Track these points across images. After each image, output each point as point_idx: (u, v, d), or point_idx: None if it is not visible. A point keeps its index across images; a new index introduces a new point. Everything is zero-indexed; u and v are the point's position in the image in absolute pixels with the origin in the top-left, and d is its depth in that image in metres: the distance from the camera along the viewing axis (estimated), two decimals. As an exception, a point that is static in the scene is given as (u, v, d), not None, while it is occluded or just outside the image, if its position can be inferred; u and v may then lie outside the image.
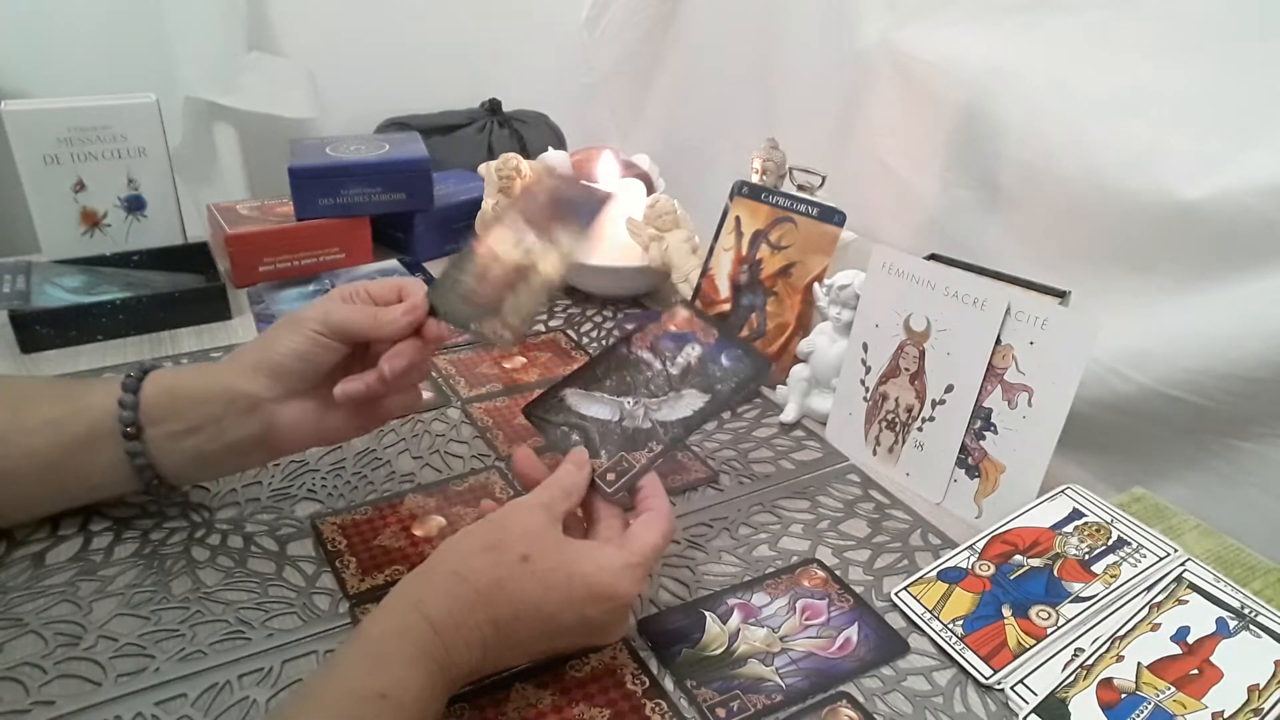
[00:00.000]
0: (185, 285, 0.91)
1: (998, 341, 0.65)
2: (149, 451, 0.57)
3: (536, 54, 1.39)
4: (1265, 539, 0.64)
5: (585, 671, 0.52)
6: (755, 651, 0.55)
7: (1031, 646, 0.54)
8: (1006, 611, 0.57)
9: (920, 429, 0.70)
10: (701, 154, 1.29)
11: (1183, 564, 0.57)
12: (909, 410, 0.71)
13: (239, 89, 1.16)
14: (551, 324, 0.94)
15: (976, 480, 0.67)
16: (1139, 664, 0.51)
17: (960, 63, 0.87)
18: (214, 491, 0.66)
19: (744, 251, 0.85)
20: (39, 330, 0.83)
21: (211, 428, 0.57)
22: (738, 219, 0.85)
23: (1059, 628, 0.55)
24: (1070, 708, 0.50)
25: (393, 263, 1.02)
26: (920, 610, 0.58)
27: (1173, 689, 0.50)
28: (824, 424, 0.78)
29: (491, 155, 1.07)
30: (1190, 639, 0.52)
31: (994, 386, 0.66)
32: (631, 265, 0.94)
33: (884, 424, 0.73)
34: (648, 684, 0.52)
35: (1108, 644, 0.53)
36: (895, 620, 0.58)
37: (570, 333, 0.93)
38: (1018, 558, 0.60)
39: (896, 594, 0.60)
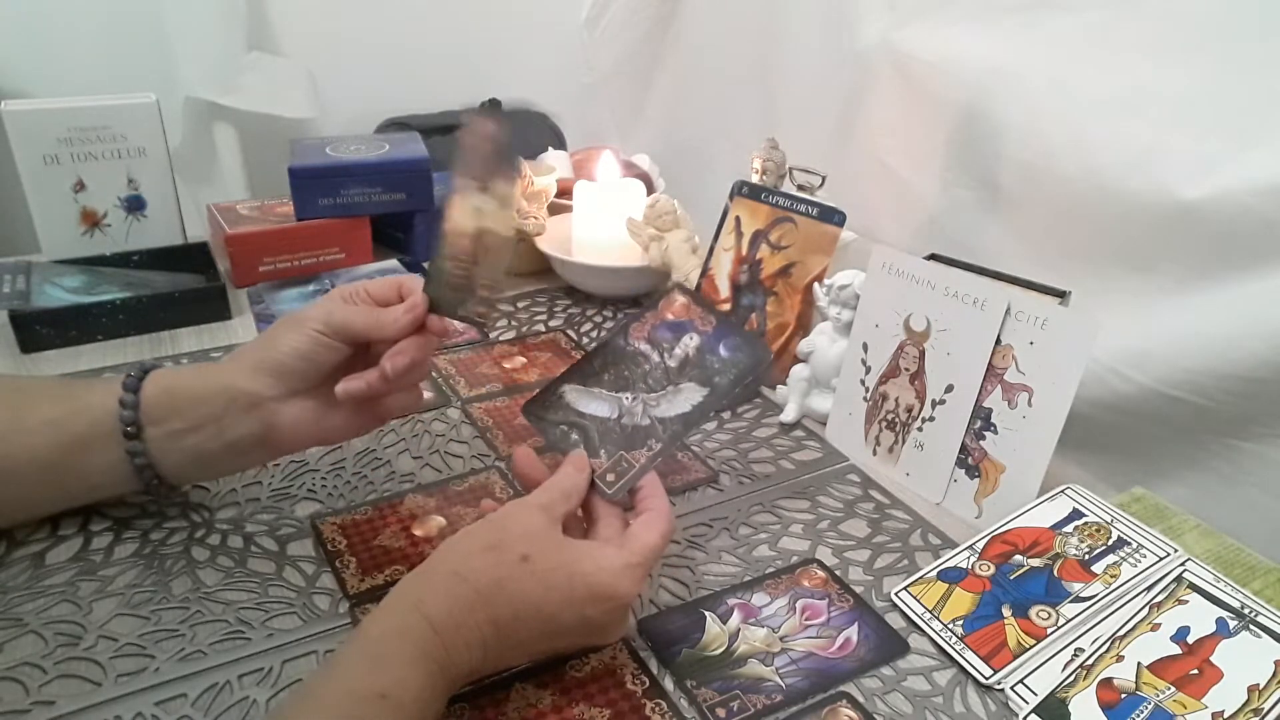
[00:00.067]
0: (185, 285, 0.91)
1: (998, 341, 0.65)
2: (149, 451, 0.57)
3: (536, 54, 1.39)
4: (1265, 539, 0.64)
5: (585, 671, 0.52)
6: (755, 651, 0.55)
7: (1031, 646, 0.54)
8: (1006, 611, 0.57)
9: (920, 429, 0.70)
10: (701, 154, 1.29)
11: (1183, 564, 0.57)
12: (909, 410, 0.71)
13: (239, 89, 1.16)
14: (552, 324, 0.94)
15: (976, 480, 0.67)
16: (1139, 664, 0.51)
17: (960, 63, 0.87)
18: (214, 491, 0.66)
19: (744, 251, 0.85)
20: (39, 330, 0.83)
21: (212, 426, 0.57)
22: (738, 219, 0.85)
23: (1059, 628, 0.55)
24: (1070, 708, 0.50)
25: (393, 263, 1.02)
26: (920, 610, 0.58)
27: (1173, 689, 0.50)
28: (824, 424, 0.78)
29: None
30: (1190, 639, 0.52)
31: (994, 386, 0.66)
32: (631, 265, 0.94)
33: (884, 424, 0.73)
34: (648, 684, 0.52)
35: (1108, 644, 0.53)
36: (895, 620, 0.58)
37: (570, 333, 0.93)
38: (1018, 558, 0.60)
39: (896, 594, 0.60)
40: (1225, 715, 0.48)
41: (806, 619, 0.57)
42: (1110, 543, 0.59)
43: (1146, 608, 0.54)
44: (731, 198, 0.85)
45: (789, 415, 0.79)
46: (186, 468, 0.59)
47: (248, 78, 1.17)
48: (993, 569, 0.60)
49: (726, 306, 0.85)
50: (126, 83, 0.94)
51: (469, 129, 0.61)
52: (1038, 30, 0.81)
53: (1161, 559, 0.57)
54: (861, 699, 0.52)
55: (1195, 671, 0.50)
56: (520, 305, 0.98)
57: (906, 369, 0.71)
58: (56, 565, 0.58)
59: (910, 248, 0.79)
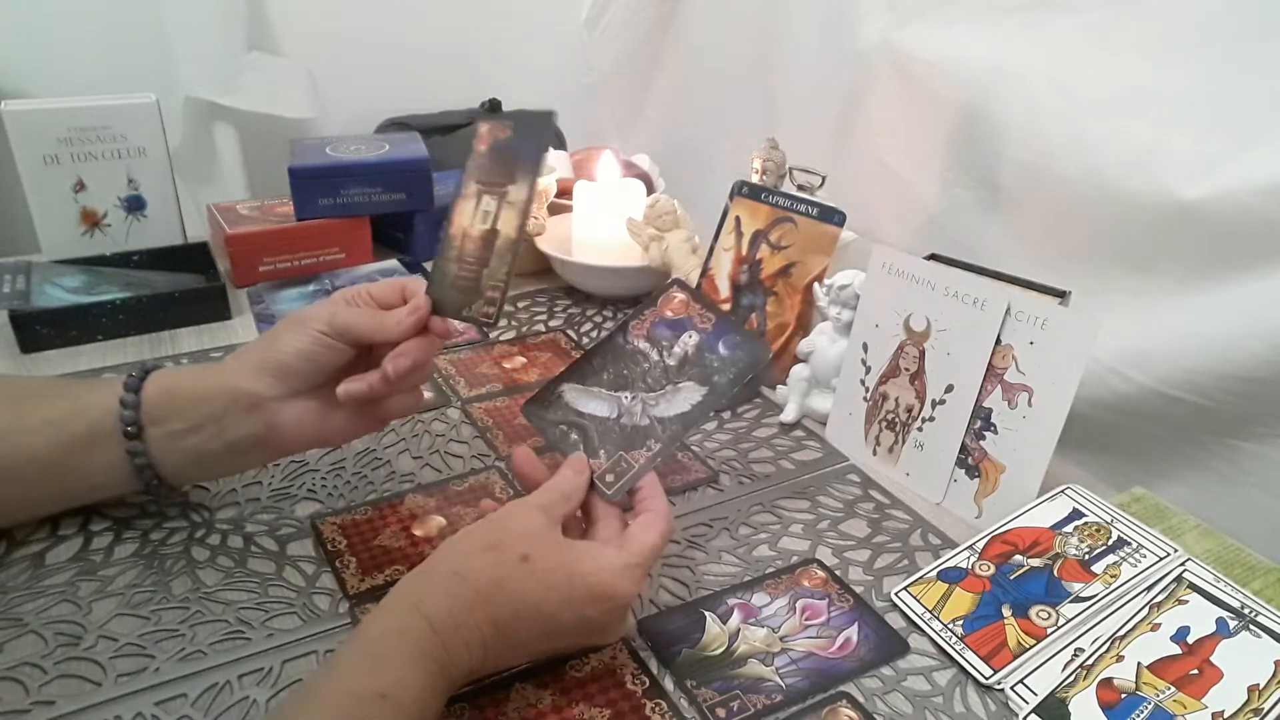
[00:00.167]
0: (185, 285, 0.91)
1: (998, 341, 0.65)
2: (149, 451, 0.57)
3: (536, 54, 1.39)
4: (1265, 539, 0.64)
5: (585, 671, 0.52)
6: (755, 651, 0.55)
7: (1031, 646, 0.54)
8: (1006, 611, 0.57)
9: (920, 429, 0.70)
10: (701, 154, 1.29)
11: (1183, 564, 0.57)
12: (909, 410, 0.71)
13: (239, 89, 1.16)
14: (552, 324, 0.94)
15: (976, 480, 0.67)
16: (1139, 664, 0.51)
17: (960, 63, 0.87)
18: (214, 491, 0.66)
19: (744, 251, 0.85)
20: (39, 330, 0.83)
21: (212, 426, 0.57)
22: (738, 219, 0.85)
23: (1059, 628, 0.55)
24: (1070, 708, 0.50)
25: (393, 263, 1.02)
26: (920, 610, 0.58)
27: (1173, 689, 0.50)
28: (824, 424, 0.78)
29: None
30: (1190, 639, 0.52)
31: (994, 386, 0.66)
32: (631, 265, 0.94)
33: (884, 424, 0.73)
34: (648, 684, 0.52)
35: (1108, 644, 0.53)
36: (895, 620, 0.58)
37: (570, 333, 0.93)
38: (1018, 558, 0.60)
39: (896, 594, 0.60)
40: (1225, 715, 0.48)
41: (806, 619, 0.57)
42: (1110, 543, 0.59)
43: (1146, 608, 0.54)
44: (731, 198, 0.85)
45: (789, 415, 0.79)
46: (187, 468, 0.59)
47: (248, 78, 1.17)
48: (993, 569, 0.60)
49: (726, 306, 0.85)
50: (126, 83, 0.94)
51: (481, 133, 0.61)
52: (1038, 30, 0.81)
53: (1161, 559, 0.57)
54: (861, 699, 0.52)
55: (1195, 671, 0.50)
56: (520, 305, 0.98)
57: (906, 369, 0.71)
58: (56, 565, 0.58)
59: (910, 248, 0.79)
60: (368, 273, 1.00)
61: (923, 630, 0.57)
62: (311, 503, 0.65)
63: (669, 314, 0.62)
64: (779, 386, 0.81)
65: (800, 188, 0.85)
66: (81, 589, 0.56)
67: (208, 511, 0.64)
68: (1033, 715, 0.51)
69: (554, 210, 1.03)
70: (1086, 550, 0.59)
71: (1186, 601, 0.54)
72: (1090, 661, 0.52)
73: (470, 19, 1.34)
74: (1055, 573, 0.58)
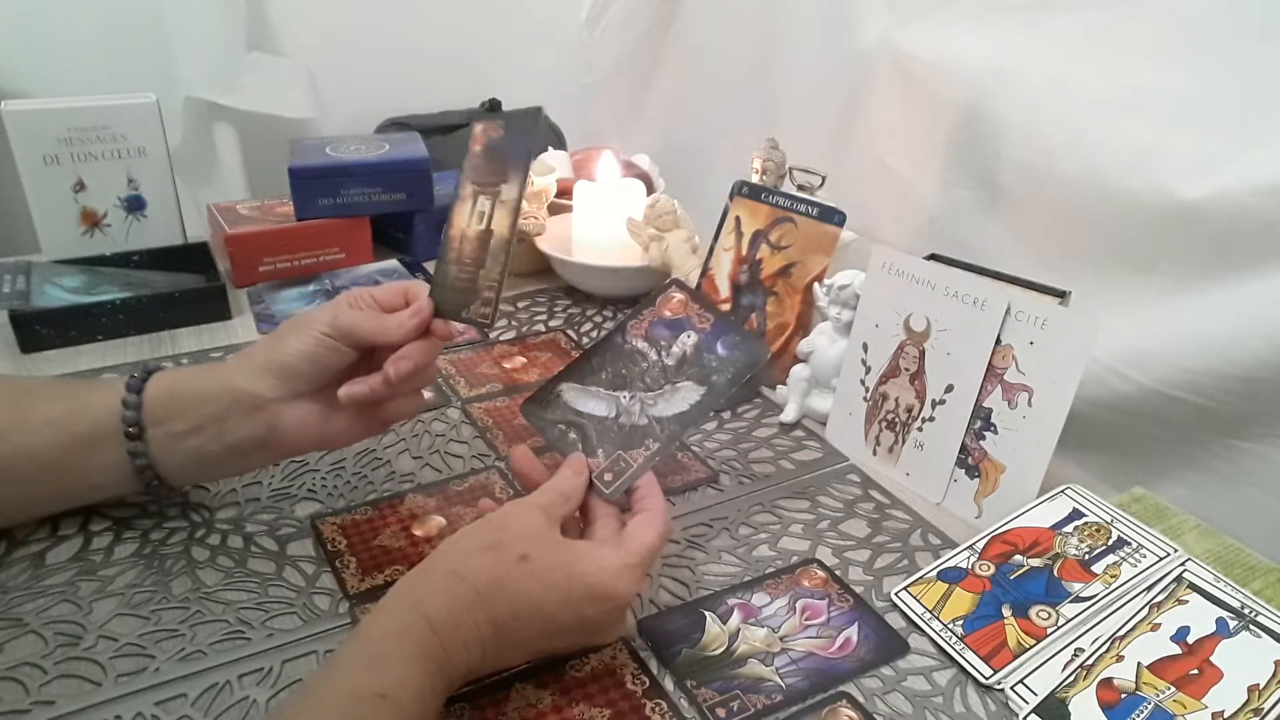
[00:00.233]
0: (185, 285, 0.91)
1: (998, 341, 0.65)
2: (150, 452, 0.57)
3: (536, 54, 1.39)
4: (1265, 539, 0.64)
5: (585, 671, 0.52)
6: (755, 651, 0.55)
7: (1031, 646, 0.54)
8: (1006, 611, 0.57)
9: (920, 429, 0.70)
10: (701, 154, 1.29)
11: (1183, 564, 0.57)
12: (909, 410, 0.71)
13: (239, 89, 1.17)
14: (552, 324, 0.94)
15: (976, 480, 0.67)
16: (1139, 664, 0.51)
17: (960, 63, 0.87)
18: (214, 491, 0.66)
19: (744, 251, 0.85)
20: (39, 330, 0.83)
21: (214, 427, 0.57)
22: (738, 219, 0.85)
23: (1059, 628, 0.55)
24: (1070, 708, 0.50)
25: (393, 263, 1.02)
26: (920, 610, 0.58)
27: (1173, 689, 0.50)
28: (824, 424, 0.78)
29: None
30: (1190, 639, 0.52)
31: (994, 386, 0.66)
32: (631, 265, 0.94)
33: (884, 424, 0.73)
34: (648, 684, 0.52)
35: (1108, 644, 0.53)
36: (895, 620, 0.58)
37: (570, 333, 0.93)
38: (1018, 558, 0.60)
39: (896, 594, 0.60)
40: (1225, 715, 0.48)
41: (806, 619, 0.57)
42: (1110, 543, 0.59)
43: (1146, 608, 0.54)
44: (731, 198, 0.85)
45: (789, 415, 0.79)
46: (187, 469, 0.59)
47: (248, 78, 1.17)
48: (993, 569, 0.60)
49: (726, 306, 0.85)
50: (126, 83, 0.94)
51: (475, 134, 0.61)
52: (1038, 30, 0.81)
53: (1161, 559, 0.57)
54: (861, 699, 0.52)
55: (1195, 671, 0.50)
56: (520, 305, 0.98)
57: (906, 369, 0.71)
58: (56, 565, 0.58)
59: (910, 248, 0.79)
60: (368, 273, 1.00)
61: (923, 630, 0.57)
62: (311, 503, 0.65)
63: (667, 314, 0.62)
64: (779, 386, 0.81)
65: (800, 188, 0.85)
66: (81, 589, 0.56)
67: (208, 511, 0.64)
68: (1033, 715, 0.51)
69: (554, 210, 1.03)
70: (1086, 550, 0.59)
71: (1186, 601, 0.54)
72: (1090, 661, 0.52)
73: (470, 19, 1.34)
74: (1055, 573, 0.58)
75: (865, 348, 0.74)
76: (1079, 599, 0.56)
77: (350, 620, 0.55)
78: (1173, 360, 0.71)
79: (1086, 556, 0.59)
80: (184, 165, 1.12)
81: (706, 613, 0.57)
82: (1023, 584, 0.58)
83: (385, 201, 1.00)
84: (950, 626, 0.56)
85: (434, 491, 0.67)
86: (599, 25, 1.37)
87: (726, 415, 0.80)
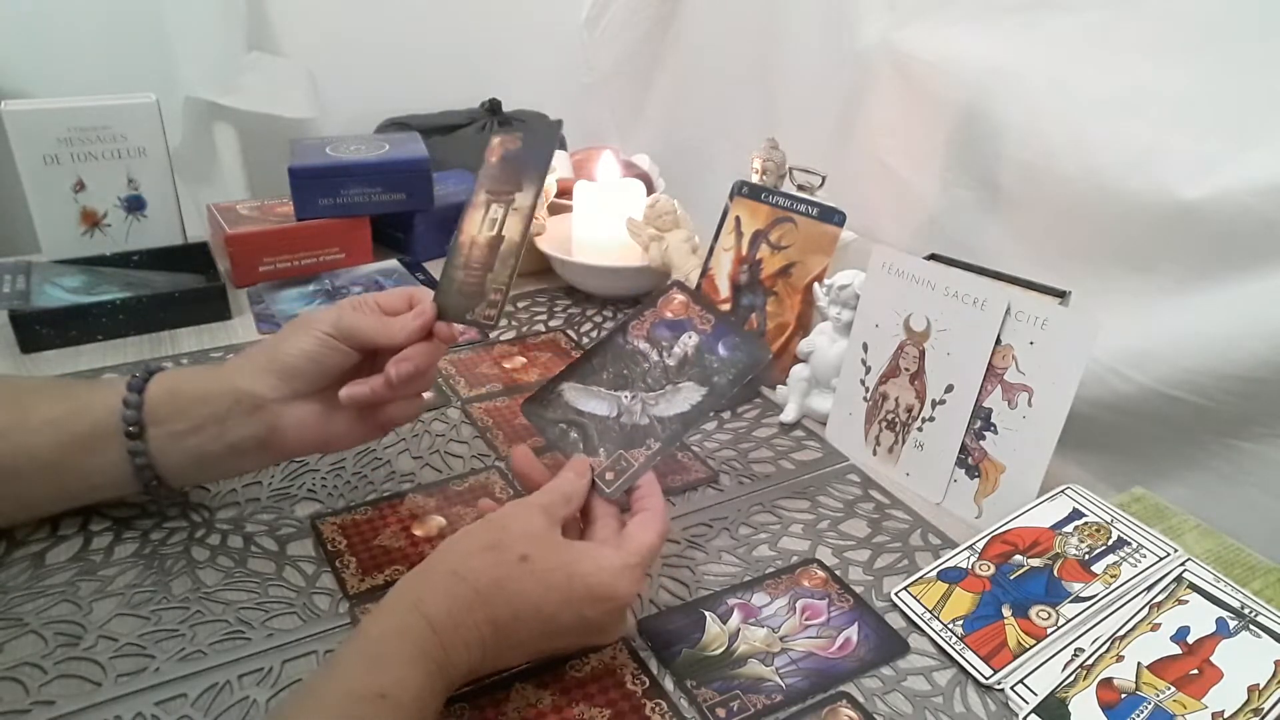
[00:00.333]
0: (185, 285, 0.91)
1: (998, 341, 0.65)
2: (150, 451, 0.57)
3: (536, 54, 1.39)
4: (1265, 539, 0.64)
5: (585, 671, 0.52)
6: (755, 651, 0.55)
7: (1031, 646, 0.54)
8: (1006, 611, 0.57)
9: (920, 429, 0.70)
10: (701, 154, 1.29)
11: (1183, 564, 0.57)
12: (909, 410, 0.71)
13: (239, 89, 1.16)
14: (552, 324, 0.94)
15: (976, 480, 0.67)
16: (1139, 664, 0.51)
17: (960, 63, 0.87)
18: (214, 491, 0.66)
19: (744, 251, 0.85)
20: (39, 330, 0.83)
21: (214, 427, 0.57)
22: (738, 219, 0.85)
23: (1059, 628, 0.55)
24: (1070, 708, 0.50)
25: (393, 263, 1.02)
26: (920, 610, 0.58)
27: (1173, 689, 0.50)
28: (824, 424, 0.78)
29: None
30: (1190, 639, 0.52)
31: (994, 386, 0.66)
32: (631, 265, 0.94)
33: (884, 424, 0.73)
34: (648, 684, 0.52)
35: (1108, 644, 0.53)
36: (895, 620, 0.58)
37: (570, 333, 0.93)
38: (1018, 558, 0.60)
39: (896, 594, 0.60)
40: (1225, 715, 0.48)
41: (806, 619, 0.57)
42: (1110, 543, 0.59)
43: (1146, 608, 0.54)
44: (731, 198, 0.85)
45: (789, 415, 0.79)
46: (187, 469, 0.59)
47: (248, 78, 1.17)
48: (993, 569, 0.60)
49: (726, 306, 0.85)
50: (126, 83, 0.94)
51: (492, 146, 0.62)
52: (1038, 30, 0.81)
53: (1161, 559, 0.57)
54: (861, 699, 0.52)
55: (1195, 671, 0.50)
56: (520, 305, 0.98)
57: (906, 369, 0.71)
58: (56, 565, 0.58)
59: (910, 248, 0.79)
60: (368, 273, 1.00)
61: (923, 630, 0.57)
62: (311, 503, 0.65)
63: (669, 315, 0.62)
64: (779, 386, 0.81)
65: (800, 188, 0.85)
66: (81, 589, 0.56)
67: (208, 511, 0.64)
68: (1033, 715, 0.51)
69: (554, 210, 1.03)
70: (1086, 550, 0.59)
71: (1186, 601, 0.54)
72: (1090, 661, 0.52)
73: (470, 19, 1.34)
74: (1055, 573, 0.58)
75: (865, 348, 0.74)
76: (1079, 599, 0.56)
77: (350, 620, 0.55)
78: (1173, 360, 0.71)
79: (1086, 556, 0.59)
80: (184, 165, 1.12)
81: (706, 613, 0.57)
82: (1023, 584, 0.58)
83: (385, 201, 1.00)
84: (950, 626, 0.56)
85: (434, 491, 0.67)
86: (599, 25, 1.37)
87: (726, 415, 0.80)
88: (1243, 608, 0.53)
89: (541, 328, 0.93)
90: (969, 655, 0.55)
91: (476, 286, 0.59)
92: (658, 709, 0.50)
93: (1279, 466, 0.69)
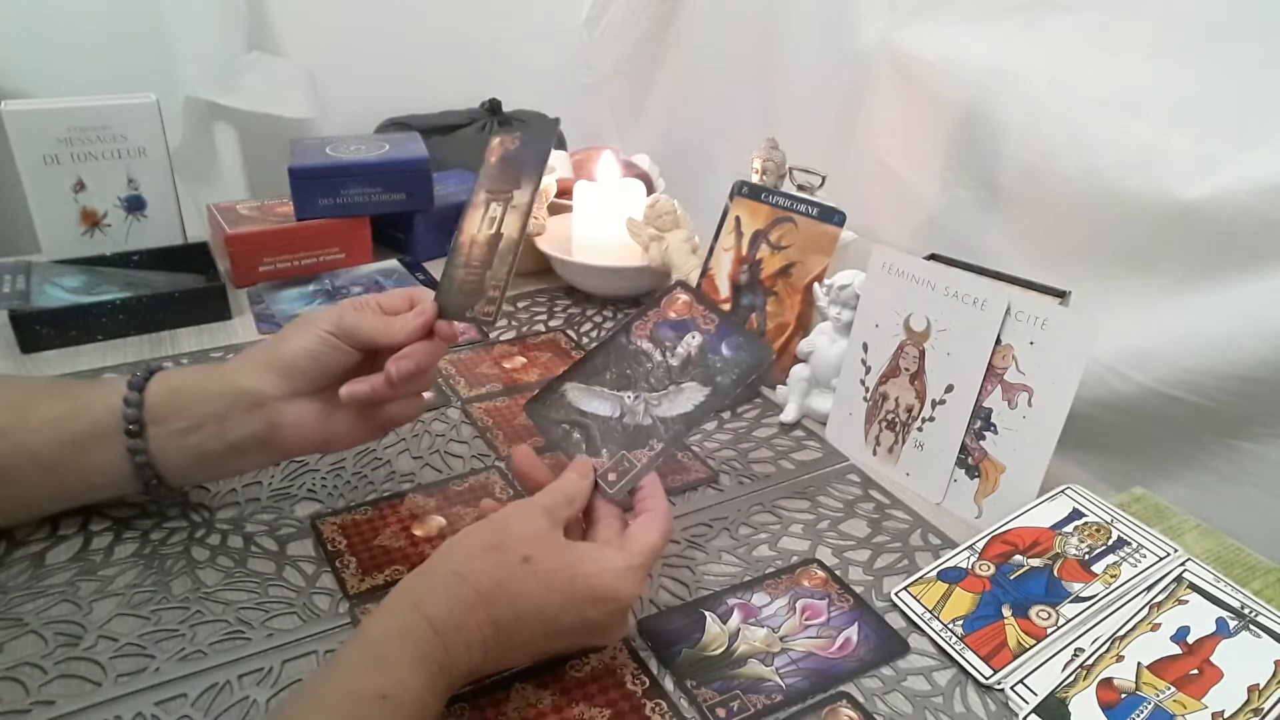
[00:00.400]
0: (185, 285, 0.91)
1: (998, 341, 0.65)
2: (150, 450, 0.57)
3: (536, 54, 1.39)
4: (1265, 539, 0.64)
5: (585, 671, 0.52)
6: (755, 651, 0.55)
7: (1031, 646, 0.54)
8: (1006, 611, 0.57)
9: (920, 429, 0.70)
10: (701, 154, 1.29)
11: (1183, 564, 0.57)
12: (909, 410, 0.71)
13: (239, 89, 1.16)
14: (552, 324, 0.94)
15: (976, 480, 0.67)
16: (1139, 664, 0.51)
17: (960, 63, 0.87)
18: (214, 491, 0.66)
19: (744, 251, 0.85)
20: (39, 330, 0.83)
21: (214, 425, 0.57)
22: (738, 219, 0.85)
23: (1059, 628, 0.55)
24: (1070, 708, 0.50)
25: (393, 263, 1.02)
26: (920, 610, 0.58)
27: (1173, 689, 0.50)
28: (824, 424, 0.78)
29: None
30: (1190, 639, 0.52)
31: (994, 386, 0.66)
32: (631, 265, 0.94)
33: (884, 424, 0.73)
34: (648, 684, 0.52)
35: (1108, 644, 0.53)
36: (895, 620, 0.58)
37: (570, 333, 0.93)
38: (1018, 558, 0.60)
39: (896, 594, 0.60)
40: (1225, 715, 0.48)
41: (806, 619, 0.57)
42: (1110, 543, 0.59)
43: (1146, 608, 0.54)
44: (731, 198, 0.85)
45: (789, 415, 0.79)
46: (187, 468, 0.59)
47: (248, 78, 1.17)
48: (993, 569, 0.60)
49: (726, 306, 0.85)
50: (126, 83, 0.94)
51: (492, 146, 0.63)
52: (1038, 30, 0.81)
53: (1161, 559, 0.57)
54: (861, 699, 0.52)
55: (1195, 671, 0.50)
56: (520, 305, 0.98)
57: (906, 369, 0.71)
58: (56, 565, 0.58)
59: (910, 248, 0.79)
60: (368, 273, 1.00)
61: (923, 630, 0.57)
62: (311, 503, 0.65)
63: (672, 315, 0.62)
64: (779, 386, 0.81)
65: (800, 188, 0.85)
66: (81, 589, 0.56)
67: (208, 511, 0.64)
68: (1033, 715, 0.51)
69: (554, 210, 1.03)
70: (1086, 550, 0.59)
71: (1186, 601, 0.54)
72: (1090, 661, 0.52)
73: (470, 19, 1.34)
74: (1055, 573, 0.58)
75: (865, 348, 0.74)
76: (1079, 599, 0.56)
77: (350, 620, 0.55)
78: (1173, 360, 0.71)
79: (1086, 556, 0.59)
80: (184, 165, 1.12)
81: (706, 613, 0.57)
82: (1023, 584, 0.58)
83: (385, 201, 1.00)
84: (950, 626, 0.56)
85: (434, 491, 0.67)
86: (599, 25, 1.37)
87: (727, 415, 0.80)
88: (1243, 608, 0.53)
89: (541, 328, 0.93)
90: (969, 655, 0.55)
91: (476, 284, 0.59)
92: (658, 709, 0.50)
93: (1279, 466, 0.69)
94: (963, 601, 0.58)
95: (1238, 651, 0.51)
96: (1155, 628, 0.53)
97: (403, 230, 1.05)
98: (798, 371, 0.79)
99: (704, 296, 0.64)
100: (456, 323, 0.60)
